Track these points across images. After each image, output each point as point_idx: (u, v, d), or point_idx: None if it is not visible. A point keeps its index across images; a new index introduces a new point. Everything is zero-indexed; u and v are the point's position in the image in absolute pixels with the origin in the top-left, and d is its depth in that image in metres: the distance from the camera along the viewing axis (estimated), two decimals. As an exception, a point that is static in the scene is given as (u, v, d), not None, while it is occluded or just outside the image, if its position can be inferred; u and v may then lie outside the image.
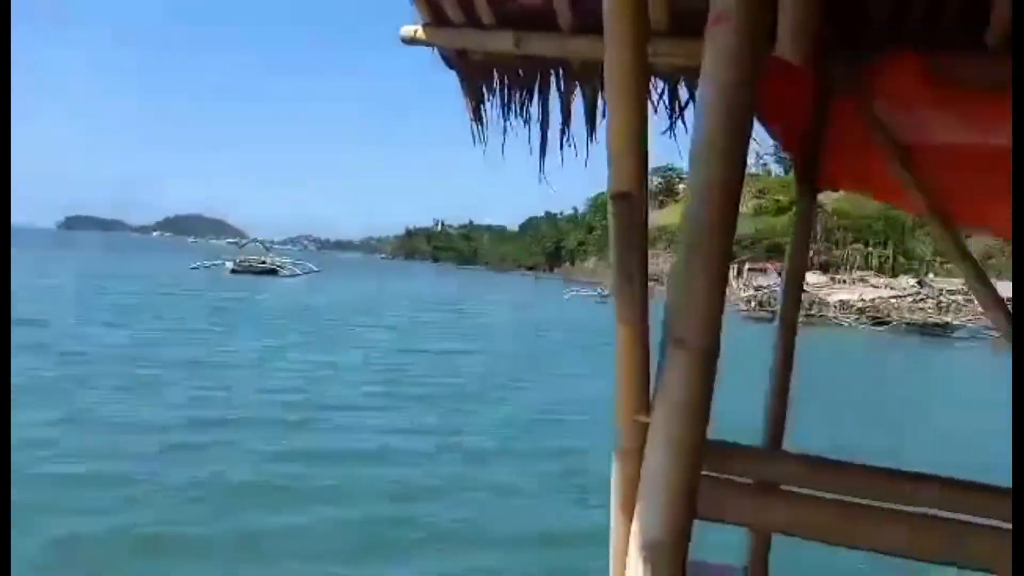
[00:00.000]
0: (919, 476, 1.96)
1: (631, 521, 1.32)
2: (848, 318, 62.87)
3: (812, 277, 74.12)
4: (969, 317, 55.75)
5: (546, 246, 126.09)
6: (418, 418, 15.06)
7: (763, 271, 77.91)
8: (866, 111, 1.98)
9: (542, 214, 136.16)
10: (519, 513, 9.92)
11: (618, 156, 1.29)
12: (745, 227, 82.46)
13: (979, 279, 2.21)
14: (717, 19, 1.23)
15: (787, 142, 2.27)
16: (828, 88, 2.06)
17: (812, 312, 61.56)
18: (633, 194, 1.31)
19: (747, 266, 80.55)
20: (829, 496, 1.93)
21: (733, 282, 79.02)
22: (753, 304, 62.67)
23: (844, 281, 77.66)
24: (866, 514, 1.90)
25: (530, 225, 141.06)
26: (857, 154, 2.14)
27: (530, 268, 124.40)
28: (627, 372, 1.40)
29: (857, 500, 1.93)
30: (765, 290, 66.38)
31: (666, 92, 2.34)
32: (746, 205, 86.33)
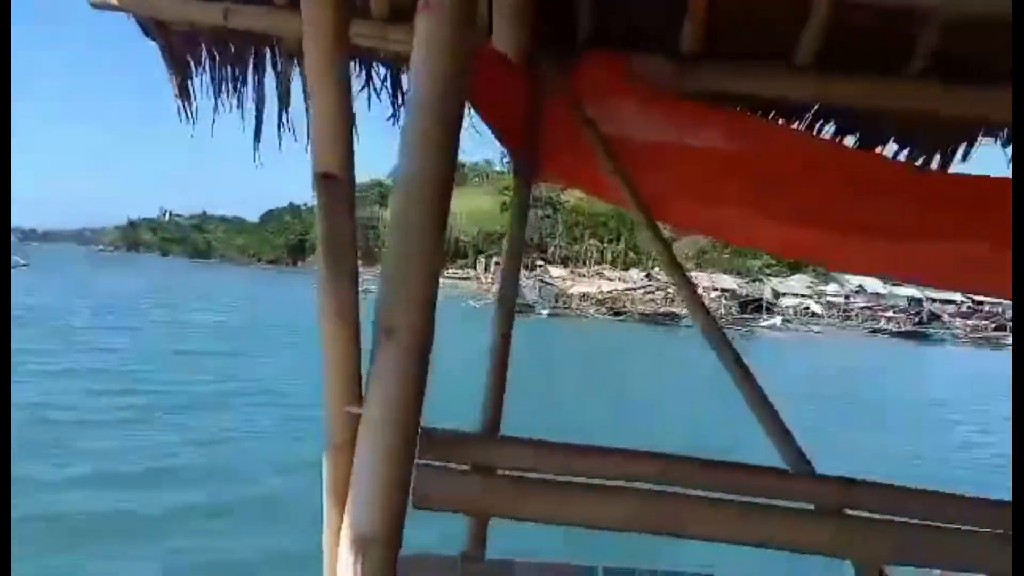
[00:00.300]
0: (638, 453, 2.05)
1: (343, 516, 1.27)
2: (590, 309, 67.18)
3: (555, 271, 78.55)
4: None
5: (289, 239, 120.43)
6: (179, 428, 13.94)
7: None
8: (576, 106, 2.07)
9: (285, 205, 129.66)
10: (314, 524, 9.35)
11: (320, 137, 1.24)
12: (493, 224, 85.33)
13: (679, 273, 2.39)
14: (425, 5, 1.20)
15: (504, 135, 2.32)
16: (542, 81, 2.12)
17: (558, 304, 65.22)
18: (339, 176, 1.25)
19: (495, 260, 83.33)
20: (548, 477, 1.98)
21: (483, 276, 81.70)
22: (504, 296, 64.95)
23: (583, 275, 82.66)
24: (585, 492, 1.97)
25: (272, 217, 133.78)
26: (569, 148, 2.23)
27: (271, 262, 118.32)
28: (336, 364, 1.35)
29: (576, 479, 2.00)
30: (513, 283, 69.14)
31: (388, 79, 2.29)
32: (493, 201, 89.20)
